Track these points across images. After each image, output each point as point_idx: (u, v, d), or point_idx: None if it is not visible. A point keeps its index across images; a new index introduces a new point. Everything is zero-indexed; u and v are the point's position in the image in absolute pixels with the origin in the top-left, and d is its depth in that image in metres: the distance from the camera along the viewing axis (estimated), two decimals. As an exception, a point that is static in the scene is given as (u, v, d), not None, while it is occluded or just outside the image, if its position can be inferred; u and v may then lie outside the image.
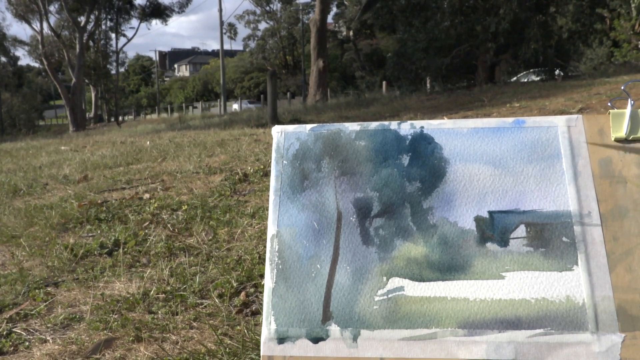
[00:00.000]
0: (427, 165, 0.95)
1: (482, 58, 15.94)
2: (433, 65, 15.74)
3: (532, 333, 0.84)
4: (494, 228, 0.90)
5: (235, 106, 31.78)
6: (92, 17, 27.81)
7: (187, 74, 61.99)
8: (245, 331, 1.41)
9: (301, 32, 33.01)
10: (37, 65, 41.54)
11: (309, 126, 1.02)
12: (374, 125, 0.99)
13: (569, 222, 0.89)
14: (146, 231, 2.42)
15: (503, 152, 0.94)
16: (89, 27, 27.72)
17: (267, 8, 37.53)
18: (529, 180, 0.92)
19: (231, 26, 41.98)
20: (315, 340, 0.88)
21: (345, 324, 0.88)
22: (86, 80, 31.87)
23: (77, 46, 25.23)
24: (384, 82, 18.59)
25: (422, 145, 0.97)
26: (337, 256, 0.92)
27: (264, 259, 1.23)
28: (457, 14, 16.08)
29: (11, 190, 3.78)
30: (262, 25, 40.33)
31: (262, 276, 1.79)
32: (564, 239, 0.88)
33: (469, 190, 0.93)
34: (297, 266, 0.92)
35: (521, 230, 0.89)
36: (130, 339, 1.44)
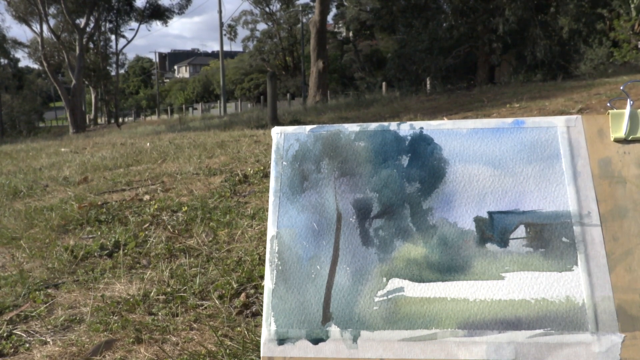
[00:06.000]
0: (426, 166, 0.95)
1: (485, 58, 15.96)
2: (434, 65, 15.76)
3: (532, 333, 0.84)
4: (493, 228, 0.90)
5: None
6: (92, 18, 27.82)
7: (187, 75, 61.96)
8: (246, 332, 1.41)
9: (301, 33, 33.02)
10: (37, 67, 41.59)
11: (308, 127, 1.02)
12: (373, 126, 0.99)
13: (569, 222, 0.89)
14: (146, 232, 2.42)
15: (502, 153, 0.94)
16: (89, 29, 27.72)
17: (267, 9, 37.52)
18: (529, 181, 0.92)
19: (231, 27, 41.86)
20: (315, 341, 0.88)
21: (345, 325, 0.88)
22: (86, 82, 31.89)
23: (77, 48, 25.23)
24: (383, 83, 18.62)
25: (421, 146, 0.97)
26: (336, 257, 0.92)
27: (264, 260, 1.23)
28: (458, 14, 16.10)
29: (11, 192, 3.78)
30: (261, 26, 40.35)
31: (262, 277, 1.79)
32: (564, 239, 0.88)
33: (469, 190, 0.93)
34: (297, 267, 0.92)
35: (521, 231, 0.89)
36: (131, 340, 1.44)
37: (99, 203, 3.02)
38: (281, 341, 0.89)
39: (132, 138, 9.10)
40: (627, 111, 0.93)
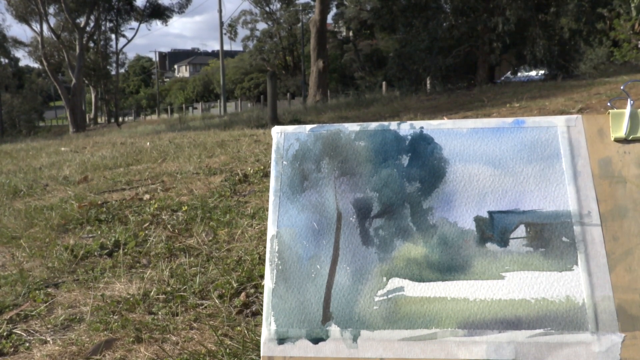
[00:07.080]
0: (426, 165, 0.95)
1: (484, 58, 15.95)
2: (434, 65, 15.75)
3: (532, 333, 0.84)
4: (493, 228, 0.90)
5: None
6: (92, 18, 27.81)
7: (187, 74, 61.93)
8: (246, 332, 1.41)
9: (301, 32, 33.00)
10: (37, 66, 41.61)
11: (308, 127, 1.02)
12: (373, 125, 0.99)
13: (569, 222, 0.89)
14: (146, 232, 2.42)
15: (503, 152, 0.94)
16: (89, 28, 27.71)
17: (267, 9, 37.47)
18: (529, 181, 0.92)
19: (231, 27, 41.81)
20: (315, 340, 0.88)
21: (345, 325, 0.88)
22: (86, 81, 31.88)
23: (77, 47, 25.22)
24: (384, 83, 18.61)
25: (421, 145, 0.97)
26: (337, 257, 0.92)
27: (264, 260, 1.23)
28: (458, 14, 16.10)
29: (11, 192, 3.78)
30: (261, 26, 40.30)
31: (262, 277, 1.79)
32: (564, 239, 0.88)
33: (469, 190, 0.93)
34: (297, 267, 0.92)
35: (521, 231, 0.89)
36: (131, 339, 1.44)
37: (99, 202, 3.02)
38: (281, 341, 0.89)
39: (132, 137, 9.10)
40: (627, 111, 0.93)
